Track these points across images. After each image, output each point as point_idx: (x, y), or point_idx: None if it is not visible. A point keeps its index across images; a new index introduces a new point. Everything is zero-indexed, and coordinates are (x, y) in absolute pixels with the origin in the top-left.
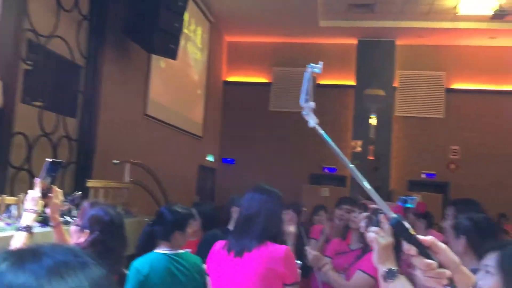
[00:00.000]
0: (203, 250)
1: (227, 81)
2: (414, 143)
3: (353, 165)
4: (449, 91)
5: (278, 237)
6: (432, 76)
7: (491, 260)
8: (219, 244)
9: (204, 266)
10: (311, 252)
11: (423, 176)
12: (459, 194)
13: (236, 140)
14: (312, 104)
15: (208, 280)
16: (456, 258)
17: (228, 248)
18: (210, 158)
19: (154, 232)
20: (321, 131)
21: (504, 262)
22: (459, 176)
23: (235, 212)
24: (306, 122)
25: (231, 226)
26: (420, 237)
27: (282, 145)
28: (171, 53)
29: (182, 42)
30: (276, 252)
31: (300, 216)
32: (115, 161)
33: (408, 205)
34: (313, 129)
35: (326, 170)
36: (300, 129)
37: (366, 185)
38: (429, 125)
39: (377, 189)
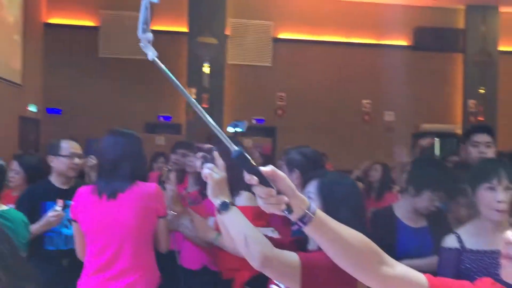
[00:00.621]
0: (23, 204)
1: (49, 23)
2: (245, 90)
3: (194, 99)
4: (276, 40)
5: (145, 177)
6: (261, 26)
7: (312, 186)
8: (85, 190)
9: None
10: (171, 212)
11: (254, 122)
12: (285, 137)
13: (62, 88)
14: (150, 35)
15: (77, 226)
16: (293, 185)
17: (98, 192)
18: (32, 108)
19: None
20: (161, 65)
21: (323, 188)
22: (285, 121)
23: (51, 161)
24: (138, 69)
25: (52, 177)
26: (261, 167)
27: (114, 93)
28: None
29: None
30: (148, 189)
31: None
32: None
33: (239, 129)
34: (147, 77)
35: (161, 119)
36: (133, 76)
37: (208, 118)
38: (259, 73)
39: (210, 136)
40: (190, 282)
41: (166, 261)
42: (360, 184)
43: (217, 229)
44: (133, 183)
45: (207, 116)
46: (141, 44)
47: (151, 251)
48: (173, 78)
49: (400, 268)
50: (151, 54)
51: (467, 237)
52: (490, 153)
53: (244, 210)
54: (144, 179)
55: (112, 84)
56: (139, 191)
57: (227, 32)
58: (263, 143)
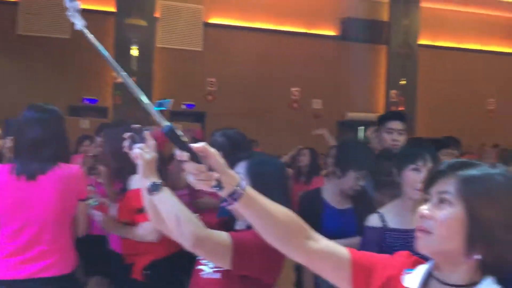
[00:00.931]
0: None
1: None
2: (174, 74)
3: (125, 73)
4: (207, 25)
5: (67, 158)
6: (192, 9)
7: (241, 167)
8: (0, 170)
9: None
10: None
11: (183, 106)
12: (215, 123)
13: None
14: (77, 3)
15: None
16: (223, 162)
17: (16, 172)
18: None
19: None
20: (89, 35)
21: (252, 169)
22: (215, 106)
23: None
24: (62, 49)
25: None
26: (192, 144)
27: (35, 73)
28: None
29: None
30: (70, 171)
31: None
32: None
33: (164, 108)
34: (71, 57)
35: (86, 101)
36: (55, 56)
37: (142, 96)
38: (189, 58)
39: (140, 122)
40: (119, 265)
41: (98, 245)
42: (290, 170)
43: (119, 216)
44: (55, 165)
45: (137, 89)
46: (68, 13)
47: (70, 234)
48: (102, 49)
49: (324, 242)
50: (79, 23)
51: (390, 216)
52: (402, 140)
53: (139, 193)
54: (67, 160)
55: (33, 64)
56: (61, 173)
57: (157, 14)
58: (193, 128)
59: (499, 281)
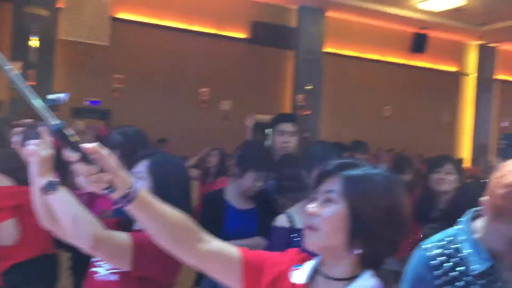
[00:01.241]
0: None
1: None
2: (78, 69)
3: (8, 64)
4: (115, 19)
5: None
6: (98, 1)
7: (142, 166)
8: None
9: None
10: None
11: (87, 103)
12: (121, 121)
13: None
14: None
15: None
16: (116, 163)
17: None
18: None
19: None
20: None
21: (154, 168)
22: (122, 104)
23: None
24: None
25: None
26: (82, 144)
27: None
28: None
29: None
30: None
31: None
32: None
33: (58, 102)
34: None
35: None
36: None
37: (28, 91)
38: (95, 52)
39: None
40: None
41: None
42: (196, 171)
43: None
44: None
45: (23, 83)
46: None
47: None
48: None
49: (215, 244)
50: None
51: (298, 216)
52: (293, 141)
53: None
54: None
55: None
56: None
57: (60, 4)
58: (98, 126)
59: (377, 273)
